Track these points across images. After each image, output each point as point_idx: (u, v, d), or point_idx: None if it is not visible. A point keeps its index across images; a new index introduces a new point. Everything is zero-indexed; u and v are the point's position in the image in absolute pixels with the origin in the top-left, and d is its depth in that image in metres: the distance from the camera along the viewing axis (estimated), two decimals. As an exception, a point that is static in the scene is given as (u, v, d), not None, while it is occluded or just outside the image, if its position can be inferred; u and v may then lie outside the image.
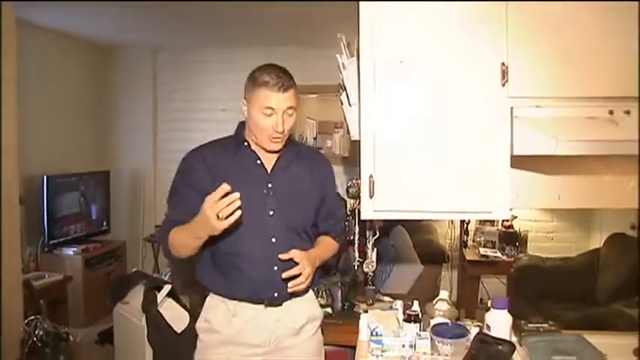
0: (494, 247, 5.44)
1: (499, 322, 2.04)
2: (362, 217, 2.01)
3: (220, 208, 1.80)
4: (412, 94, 2.01)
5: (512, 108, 1.94)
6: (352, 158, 4.64)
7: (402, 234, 5.21)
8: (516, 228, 5.51)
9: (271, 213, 2.09)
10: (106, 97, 6.40)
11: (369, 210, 2.00)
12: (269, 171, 2.13)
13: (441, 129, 1.99)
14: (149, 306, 3.31)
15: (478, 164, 1.97)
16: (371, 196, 1.98)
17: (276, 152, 2.13)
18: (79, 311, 5.10)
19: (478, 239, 5.62)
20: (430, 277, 5.00)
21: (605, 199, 2.24)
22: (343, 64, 2.14)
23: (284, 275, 2.04)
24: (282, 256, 2.05)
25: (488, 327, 2.06)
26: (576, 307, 4.23)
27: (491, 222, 5.65)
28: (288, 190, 2.13)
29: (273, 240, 2.10)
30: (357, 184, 2.05)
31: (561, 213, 5.83)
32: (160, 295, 3.39)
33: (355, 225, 2.22)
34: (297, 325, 2.17)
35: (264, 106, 2.00)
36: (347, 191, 2.15)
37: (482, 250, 5.39)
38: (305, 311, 2.20)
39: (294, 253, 2.05)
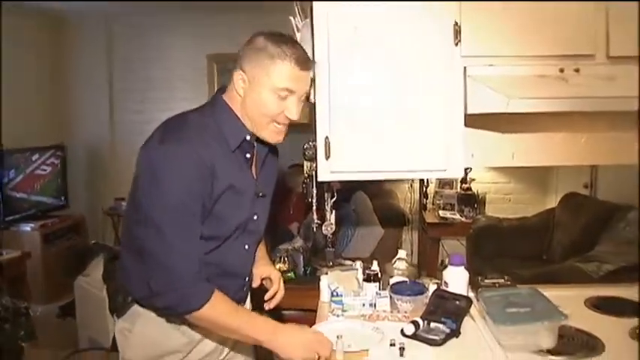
0: (453, 210, 5.51)
1: (456, 279, 2.10)
2: (319, 179, 2.02)
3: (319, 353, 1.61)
4: (366, 56, 1.99)
5: (465, 67, 1.95)
6: (310, 125, 4.65)
7: (362, 199, 5.24)
8: (474, 190, 5.59)
9: (255, 218, 1.79)
10: (60, 69, 6.22)
11: (326, 171, 2.00)
12: (254, 168, 1.79)
13: (396, 89, 2.00)
14: (110, 277, 3.27)
15: (433, 123, 1.99)
16: (327, 158, 1.99)
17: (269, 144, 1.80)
18: (39, 287, 5.00)
19: (437, 202, 5.69)
20: (391, 241, 5.05)
21: (557, 156, 2.27)
22: (297, 26, 2.11)
23: (267, 297, 1.98)
24: (255, 284, 1.96)
25: (446, 284, 2.11)
26: (532, 264, 4.34)
27: (450, 185, 5.73)
28: (266, 190, 1.84)
29: (246, 247, 1.82)
30: (314, 145, 2.04)
31: (518, 175, 5.94)
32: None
33: (313, 187, 2.22)
34: None
35: (281, 87, 1.60)
36: (304, 154, 2.14)
37: (441, 213, 5.46)
38: (248, 303, 2.02)
39: (275, 275, 2.00)
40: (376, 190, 5.59)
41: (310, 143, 2.11)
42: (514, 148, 2.25)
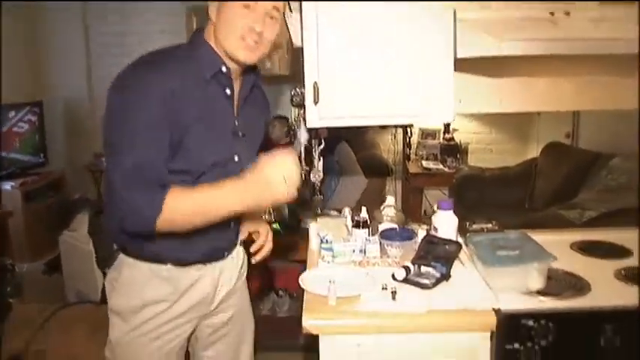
0: (436, 160, 5.55)
1: (445, 224, 2.11)
2: (308, 126, 1.99)
3: (288, 172, 1.50)
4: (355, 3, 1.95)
5: (455, 10, 1.92)
6: (292, 77, 4.58)
7: (345, 150, 5.24)
8: (457, 140, 5.62)
9: (237, 159, 1.72)
10: (35, 23, 6.03)
11: (315, 117, 1.98)
12: (235, 104, 1.73)
13: (384, 33, 1.96)
14: (95, 230, 3.25)
15: (423, 68, 1.97)
16: (316, 104, 1.96)
17: (245, 70, 1.73)
18: (23, 245, 4.92)
19: (420, 152, 5.71)
20: (375, 191, 5.08)
21: (545, 101, 2.27)
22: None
23: (253, 249, 1.96)
24: (242, 237, 1.91)
25: (435, 229, 2.12)
26: (515, 213, 4.36)
27: (433, 135, 5.75)
28: (251, 129, 1.79)
29: None
30: (302, 92, 2.01)
31: (500, 125, 5.96)
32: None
33: (301, 135, 2.19)
34: (237, 268, 1.94)
35: None
36: (291, 100, 2.11)
37: (424, 163, 5.50)
38: (240, 252, 1.97)
39: (262, 228, 1.97)
40: (359, 141, 5.60)
41: (298, 89, 2.08)
42: (502, 94, 2.25)
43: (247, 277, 2.00)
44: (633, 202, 3.48)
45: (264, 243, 1.99)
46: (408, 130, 5.47)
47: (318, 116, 1.97)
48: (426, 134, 5.77)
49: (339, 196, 4.78)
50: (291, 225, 3.61)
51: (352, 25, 1.96)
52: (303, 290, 1.88)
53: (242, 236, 1.92)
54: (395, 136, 5.71)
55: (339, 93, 1.97)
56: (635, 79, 2.12)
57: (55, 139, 6.02)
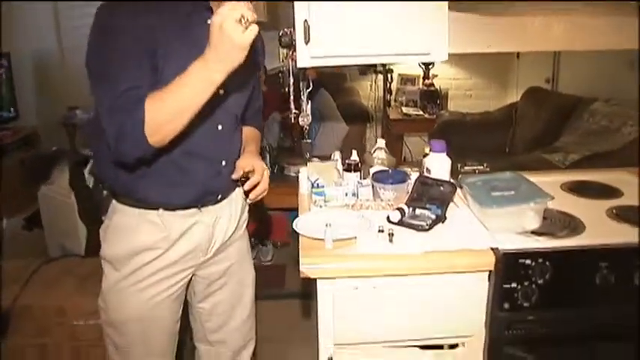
0: (416, 106, 5.53)
1: (438, 165, 2.08)
2: (298, 65, 1.91)
3: (241, 13, 1.31)
4: None
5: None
6: (271, 24, 4.44)
7: (325, 97, 5.17)
8: (437, 86, 5.58)
9: (221, 92, 1.65)
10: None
11: (306, 57, 1.90)
12: None
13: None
14: (77, 182, 3.17)
15: (416, 5, 1.90)
16: (306, 42, 1.88)
17: None
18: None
19: (400, 99, 5.68)
20: (356, 137, 5.06)
21: (533, 42, 2.23)
22: None
23: (246, 187, 1.83)
24: (235, 175, 1.81)
25: (428, 170, 2.09)
26: (498, 157, 4.38)
27: (412, 81, 5.71)
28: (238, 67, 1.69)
29: (220, 127, 1.72)
30: (290, 32, 1.93)
31: (479, 70, 5.94)
32: (87, 170, 3.25)
33: (290, 76, 2.13)
34: (235, 218, 1.90)
35: None
36: (280, 40, 2.03)
37: (404, 109, 5.47)
38: (239, 199, 1.93)
39: (257, 165, 1.83)
40: (339, 87, 5.54)
41: (286, 30, 1.99)
42: (491, 34, 2.19)
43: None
44: (615, 144, 3.51)
45: (259, 180, 1.84)
46: (389, 75, 5.41)
47: (309, 56, 1.90)
48: (405, 80, 5.72)
49: (319, 144, 4.73)
50: (272, 172, 3.57)
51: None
52: (287, 239, 1.85)
53: (235, 175, 1.83)
54: (375, 82, 5.65)
55: (331, 32, 1.89)
56: (628, 20, 2.07)
57: (26, 93, 5.78)
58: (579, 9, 2.12)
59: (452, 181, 2.08)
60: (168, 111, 1.43)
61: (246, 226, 2.02)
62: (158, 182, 1.61)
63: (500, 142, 4.80)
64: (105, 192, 1.68)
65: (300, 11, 1.88)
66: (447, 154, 2.10)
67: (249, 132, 1.98)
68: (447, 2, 1.91)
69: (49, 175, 3.47)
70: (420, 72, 5.59)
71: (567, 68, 5.03)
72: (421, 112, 5.40)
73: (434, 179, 2.03)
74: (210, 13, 1.60)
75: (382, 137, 5.60)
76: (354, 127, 5.02)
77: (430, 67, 5.46)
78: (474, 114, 5.19)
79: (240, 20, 1.30)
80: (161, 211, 1.66)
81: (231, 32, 1.31)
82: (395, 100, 5.73)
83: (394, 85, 5.72)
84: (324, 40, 1.90)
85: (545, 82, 5.25)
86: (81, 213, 3.14)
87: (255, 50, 1.77)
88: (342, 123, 4.93)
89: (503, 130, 4.85)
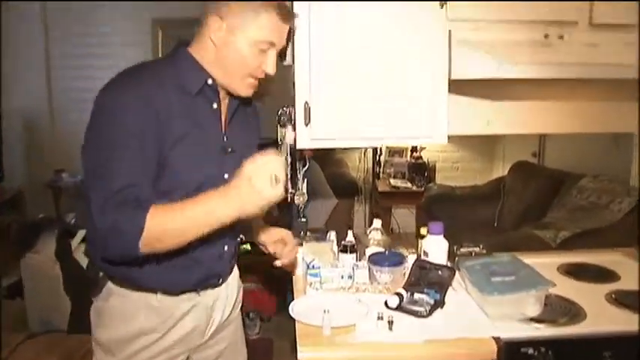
0: (404, 178, 5.55)
1: (436, 248, 2.06)
2: (298, 147, 1.92)
3: (274, 171, 1.37)
4: (348, 18, 1.90)
5: (450, 31, 1.89)
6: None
7: (314, 168, 5.17)
8: (425, 159, 5.63)
9: (226, 176, 1.58)
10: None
11: (306, 139, 1.91)
12: (223, 119, 1.64)
13: (379, 53, 1.91)
14: (63, 254, 3.09)
15: (417, 88, 1.93)
16: (307, 124, 1.89)
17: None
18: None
19: (388, 171, 5.71)
20: (344, 210, 5.05)
21: (531, 124, 2.27)
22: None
23: (286, 261, 1.90)
24: (272, 250, 1.91)
25: (426, 253, 2.07)
26: (487, 232, 4.38)
27: (400, 153, 5.75)
28: (241, 145, 1.67)
29: None
30: (289, 111, 1.94)
31: (466, 143, 6.01)
32: (75, 242, 3.17)
33: (287, 155, 2.12)
34: (232, 299, 1.85)
35: (263, 39, 1.51)
36: (278, 119, 2.04)
37: (392, 182, 5.49)
38: (235, 280, 1.89)
39: (287, 235, 1.89)
40: (328, 159, 5.56)
41: (285, 109, 2.01)
42: (489, 116, 2.23)
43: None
44: (604, 221, 3.52)
45: (292, 249, 1.92)
46: (378, 148, 5.46)
47: (310, 137, 1.91)
48: (393, 152, 5.77)
49: (307, 215, 4.71)
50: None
51: (345, 45, 1.91)
52: (274, 312, 1.81)
53: (271, 249, 1.89)
54: (364, 154, 5.69)
55: (332, 113, 1.91)
56: (627, 104, 2.12)
57: (13, 154, 5.77)
58: (575, 92, 2.16)
59: (450, 265, 2.06)
60: (171, 227, 1.41)
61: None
62: (160, 267, 1.55)
63: (488, 216, 4.81)
64: (100, 273, 1.62)
65: (301, 92, 1.89)
66: (445, 237, 2.09)
67: None
68: (446, 86, 1.94)
69: (34, 244, 3.38)
70: (408, 144, 5.64)
71: (553, 143, 5.11)
72: (409, 185, 5.43)
73: (432, 263, 2.00)
74: (217, 97, 1.60)
75: (372, 211, 5.64)
76: (343, 200, 5.01)
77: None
78: (463, 187, 5.22)
79: (271, 178, 1.36)
80: (160, 295, 1.61)
81: (261, 187, 1.36)
82: (383, 172, 5.76)
83: (382, 157, 5.76)
84: (325, 122, 1.91)
85: (532, 156, 5.31)
86: (66, 286, 3.04)
87: (254, 126, 1.80)
88: (330, 195, 4.93)
89: (491, 204, 4.87)
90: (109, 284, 1.62)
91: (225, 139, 1.63)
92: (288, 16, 1.54)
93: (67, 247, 3.10)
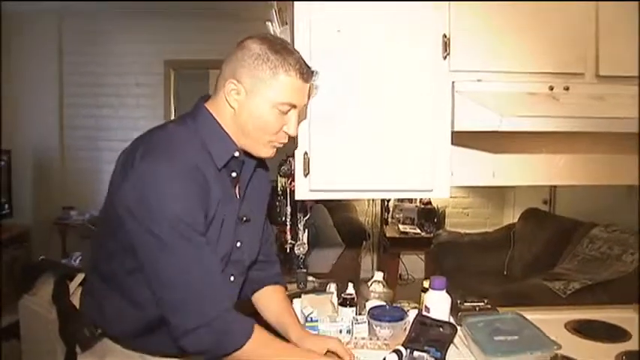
0: (413, 224, 5.49)
1: (438, 303, 1.99)
2: (297, 197, 1.89)
3: None
4: (349, 66, 1.88)
5: (453, 82, 1.87)
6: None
7: (322, 212, 5.15)
8: (434, 204, 5.58)
9: (238, 245, 1.60)
10: (7, 71, 5.83)
11: (305, 190, 1.87)
12: (238, 188, 1.61)
13: (380, 103, 1.89)
14: (60, 297, 3.03)
15: (418, 141, 1.90)
16: (306, 175, 1.86)
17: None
18: (-22, 304, 4.68)
19: (397, 216, 5.66)
20: (351, 256, 4.99)
21: (538, 176, 2.22)
22: (275, 32, 1.99)
23: None
24: None
25: (427, 308, 2.00)
26: (494, 281, 4.32)
27: (410, 199, 5.69)
28: (254, 213, 1.67)
29: (232, 279, 1.62)
30: (290, 161, 1.92)
31: (476, 190, 5.96)
32: (73, 285, 3.11)
33: (287, 205, 2.09)
34: None
35: (284, 101, 1.47)
36: (279, 169, 2.02)
37: (401, 227, 5.43)
38: None
39: (338, 346, 1.71)
40: (335, 203, 5.52)
41: (286, 159, 1.98)
42: (495, 167, 2.18)
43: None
44: (616, 273, 3.45)
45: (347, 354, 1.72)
46: (387, 193, 5.41)
47: (309, 188, 1.87)
48: (402, 198, 5.72)
49: (314, 260, 4.65)
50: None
51: (346, 96, 1.89)
52: None
53: None
54: (373, 200, 5.65)
55: (331, 165, 1.88)
56: (633, 157, 2.08)
57: (22, 190, 5.78)
58: (582, 144, 2.12)
59: (452, 322, 2.00)
60: (267, 354, 1.45)
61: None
62: (165, 336, 1.48)
63: (498, 263, 4.73)
64: (99, 330, 1.57)
65: (301, 143, 1.87)
66: (447, 292, 2.03)
67: (282, 302, 1.85)
68: (449, 138, 1.91)
69: (32, 286, 3.33)
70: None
71: (565, 190, 5.05)
72: (418, 231, 5.36)
73: (433, 319, 1.93)
74: (239, 167, 1.57)
75: (379, 257, 5.57)
76: (350, 245, 4.96)
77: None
78: (472, 234, 5.15)
79: None
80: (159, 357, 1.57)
81: None
82: (392, 217, 5.71)
83: (391, 203, 5.72)
84: (325, 173, 1.88)
85: (543, 203, 5.25)
86: (62, 331, 2.97)
87: (264, 188, 1.77)
88: (337, 241, 4.88)
89: (501, 252, 4.80)
90: (106, 341, 1.58)
91: (240, 207, 1.60)
92: (307, 75, 1.50)
93: (64, 291, 3.03)
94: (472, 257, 4.82)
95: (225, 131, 1.51)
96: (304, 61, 1.51)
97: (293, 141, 1.88)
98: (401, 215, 5.61)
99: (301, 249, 2.18)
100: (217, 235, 1.49)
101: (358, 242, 5.23)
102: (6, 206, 5.44)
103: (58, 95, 6.04)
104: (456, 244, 4.97)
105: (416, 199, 5.64)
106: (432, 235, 5.25)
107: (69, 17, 5.90)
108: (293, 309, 1.86)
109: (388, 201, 5.57)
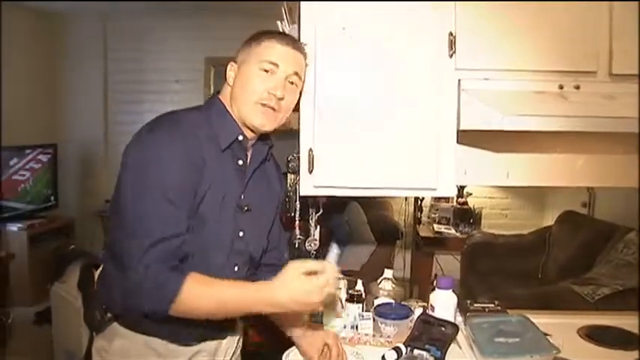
0: (448, 224, 5.44)
1: (444, 303, 2.00)
2: (301, 194, 1.91)
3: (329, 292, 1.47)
4: (354, 64, 1.89)
5: (459, 80, 1.85)
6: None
7: (356, 210, 5.16)
8: (471, 205, 5.51)
9: (241, 234, 1.64)
10: (55, 67, 6.11)
11: (309, 186, 1.89)
12: (246, 177, 1.65)
13: (385, 101, 1.89)
14: (85, 285, 3.13)
15: (423, 139, 1.89)
16: (310, 171, 1.88)
17: (260, 136, 1.67)
18: (24, 289, 4.86)
19: (433, 215, 5.61)
20: (384, 254, 4.97)
21: (554, 177, 2.17)
22: (284, 30, 2.01)
23: None
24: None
25: (433, 307, 2.00)
26: (526, 284, 4.24)
27: (446, 199, 5.64)
28: (258, 203, 1.68)
29: (236, 269, 1.65)
30: (298, 157, 1.94)
31: (516, 190, 5.85)
32: (98, 273, 3.22)
33: (296, 201, 2.11)
34: (234, 342, 1.82)
35: (264, 60, 1.55)
36: (287, 165, 2.04)
37: (436, 227, 5.38)
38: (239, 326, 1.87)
39: (331, 338, 1.80)
40: (371, 201, 5.51)
41: (295, 155, 2.00)
42: (509, 167, 2.15)
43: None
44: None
45: (340, 352, 1.79)
46: (421, 192, 5.37)
47: (313, 185, 1.89)
48: (438, 197, 5.67)
49: (346, 258, 4.64)
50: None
51: (351, 93, 1.90)
52: None
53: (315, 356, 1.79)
54: (407, 198, 5.61)
55: (336, 162, 1.89)
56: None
57: (67, 183, 6.02)
58: (598, 144, 2.07)
59: (458, 319, 1.99)
60: (204, 304, 1.46)
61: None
62: (169, 320, 1.51)
63: (533, 266, 4.63)
64: (108, 314, 1.62)
65: (306, 139, 1.89)
66: (454, 291, 2.02)
67: None
68: (454, 137, 1.89)
69: (62, 274, 3.45)
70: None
71: (604, 193, 4.90)
72: (453, 231, 5.30)
73: (436, 318, 1.93)
74: (244, 154, 1.63)
75: (412, 256, 5.53)
76: (383, 244, 4.94)
77: (464, 185, 5.42)
78: (507, 236, 5.06)
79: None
80: (166, 342, 1.61)
81: (313, 302, 1.45)
82: (427, 217, 5.67)
83: (427, 202, 5.68)
84: (328, 170, 1.89)
85: (582, 206, 5.11)
86: (86, 317, 3.08)
87: (274, 182, 1.80)
88: (370, 239, 4.88)
89: (535, 255, 4.70)
90: (115, 325, 1.62)
91: (242, 196, 1.64)
92: (290, 41, 1.61)
93: (90, 279, 3.13)
94: (506, 259, 4.74)
95: (231, 116, 1.61)
96: (291, 35, 1.68)
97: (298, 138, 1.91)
98: (437, 215, 5.57)
99: (312, 245, 2.20)
100: (214, 212, 1.54)
101: (391, 241, 5.20)
102: (52, 198, 5.68)
103: (102, 91, 6.24)
104: (489, 246, 4.89)
105: (452, 199, 5.58)
106: (466, 235, 5.18)
107: (113, 17, 6.08)
108: None
109: (422, 200, 5.53)
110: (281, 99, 1.57)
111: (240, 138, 1.60)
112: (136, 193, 1.46)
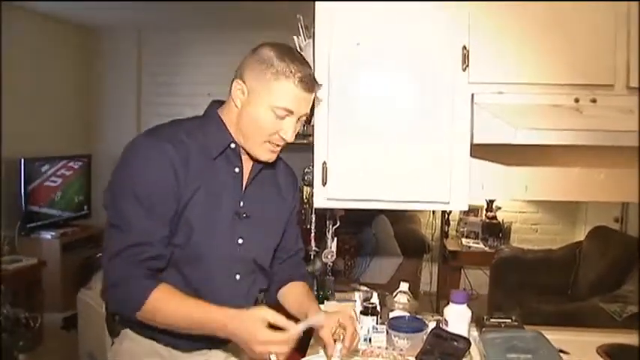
0: (477, 238, 5.38)
1: (457, 317, 1.97)
2: (315, 206, 1.92)
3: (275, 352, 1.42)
4: (368, 79, 1.90)
5: (473, 94, 1.85)
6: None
7: (383, 223, 5.15)
8: (500, 219, 5.45)
9: (240, 241, 1.63)
10: (90, 80, 6.28)
11: (322, 198, 1.91)
12: (244, 184, 1.65)
13: (398, 115, 1.90)
14: (108, 293, 3.20)
15: (435, 152, 1.89)
16: (324, 184, 1.89)
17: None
18: (55, 296, 4.96)
19: (461, 229, 5.56)
20: (411, 268, 4.95)
21: (574, 191, 2.15)
22: (300, 45, 2.04)
23: (347, 344, 1.65)
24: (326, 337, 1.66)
25: (446, 322, 1.98)
26: (555, 300, 4.17)
27: (475, 212, 5.59)
28: (258, 210, 1.67)
29: (237, 277, 1.65)
30: (313, 170, 1.95)
31: (547, 205, 5.77)
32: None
33: (312, 213, 2.12)
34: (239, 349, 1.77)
35: (280, 106, 1.51)
36: (303, 178, 2.06)
37: (464, 241, 5.34)
38: None
39: (346, 318, 1.67)
40: (398, 214, 5.50)
41: (310, 167, 2.02)
42: (527, 181, 2.13)
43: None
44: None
45: (354, 332, 1.68)
46: (448, 206, 5.34)
47: (326, 197, 1.91)
48: (467, 211, 5.62)
49: (372, 271, 4.67)
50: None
51: (365, 105, 1.91)
52: None
53: (325, 337, 1.68)
54: (434, 212, 5.58)
55: (349, 174, 1.90)
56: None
57: (101, 193, 6.07)
58: (619, 159, 2.04)
59: (473, 333, 1.97)
60: (169, 315, 1.47)
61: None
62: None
63: (562, 282, 4.55)
64: (116, 316, 1.67)
65: (320, 152, 1.90)
66: (469, 305, 2.00)
67: (300, 293, 1.81)
68: (468, 150, 1.89)
69: (88, 280, 3.53)
70: (484, 203, 5.48)
71: (637, 208, 4.80)
72: (481, 245, 5.25)
73: (449, 333, 1.91)
74: (239, 161, 1.62)
75: (440, 270, 5.48)
76: (410, 257, 4.92)
77: (493, 199, 5.37)
78: (536, 251, 4.98)
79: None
80: (170, 348, 1.62)
81: (255, 347, 1.42)
82: (456, 231, 5.62)
83: (456, 215, 5.63)
84: (342, 182, 1.90)
85: (614, 222, 5.01)
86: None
87: (287, 195, 1.78)
88: (397, 251, 4.86)
89: (565, 271, 4.61)
90: (127, 329, 1.66)
91: (241, 203, 1.63)
92: (308, 85, 1.53)
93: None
94: (535, 274, 4.66)
95: (225, 126, 1.59)
96: (310, 72, 1.54)
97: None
98: (465, 229, 5.51)
99: (329, 257, 2.21)
100: (202, 219, 1.54)
101: (418, 254, 5.18)
102: (85, 207, 5.79)
103: (135, 103, 6.38)
104: (518, 260, 4.82)
105: (481, 213, 5.53)
106: (494, 250, 5.12)
107: (148, 31, 6.24)
108: (314, 297, 1.87)
109: (449, 214, 5.49)
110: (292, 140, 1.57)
111: (233, 146, 1.60)
112: (119, 191, 1.51)
